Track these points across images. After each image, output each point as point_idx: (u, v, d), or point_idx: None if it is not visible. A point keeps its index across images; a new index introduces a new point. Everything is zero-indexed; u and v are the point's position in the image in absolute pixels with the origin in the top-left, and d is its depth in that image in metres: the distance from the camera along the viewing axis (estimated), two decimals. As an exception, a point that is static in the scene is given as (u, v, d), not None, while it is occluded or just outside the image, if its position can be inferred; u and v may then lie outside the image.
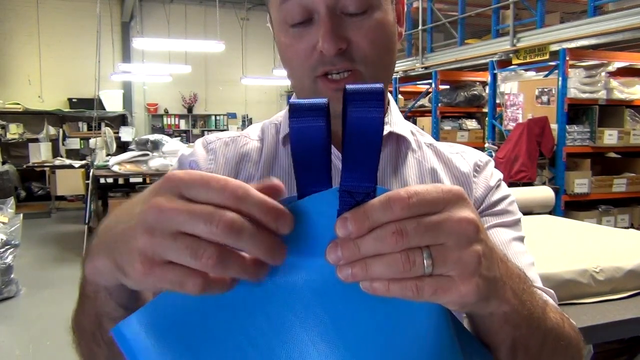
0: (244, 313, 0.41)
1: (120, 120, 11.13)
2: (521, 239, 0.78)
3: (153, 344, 0.41)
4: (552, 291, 0.74)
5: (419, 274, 0.37)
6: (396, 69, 7.64)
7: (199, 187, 0.38)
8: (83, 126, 10.83)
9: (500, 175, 0.83)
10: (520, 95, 5.32)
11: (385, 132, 0.74)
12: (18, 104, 10.14)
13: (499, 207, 0.78)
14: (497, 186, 0.80)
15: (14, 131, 10.05)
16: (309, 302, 0.40)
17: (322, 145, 0.39)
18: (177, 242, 0.37)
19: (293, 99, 0.39)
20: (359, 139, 0.37)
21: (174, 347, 0.41)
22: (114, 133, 8.98)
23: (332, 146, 0.68)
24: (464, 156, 0.82)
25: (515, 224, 0.78)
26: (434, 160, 0.80)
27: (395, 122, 0.79)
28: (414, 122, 7.62)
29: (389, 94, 0.81)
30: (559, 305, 1.51)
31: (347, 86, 0.39)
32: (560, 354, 0.55)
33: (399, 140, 0.78)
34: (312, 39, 0.66)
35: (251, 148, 0.79)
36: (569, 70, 4.80)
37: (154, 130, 11.47)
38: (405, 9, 0.78)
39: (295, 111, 0.38)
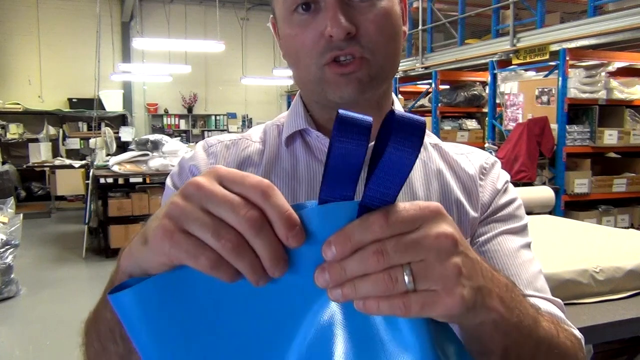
0: (241, 307, 0.42)
1: (120, 120, 11.13)
2: (528, 246, 0.77)
3: (148, 317, 0.42)
4: (559, 301, 0.73)
5: (402, 290, 0.38)
6: (396, 69, 7.65)
7: (236, 180, 0.40)
8: (83, 126, 10.84)
9: (508, 177, 0.82)
10: (520, 95, 5.33)
11: None
12: (18, 104, 10.15)
13: (506, 212, 0.78)
14: (505, 190, 0.80)
15: (14, 131, 10.05)
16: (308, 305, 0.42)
17: (359, 165, 0.39)
18: (205, 217, 0.39)
19: (341, 110, 0.39)
20: (392, 167, 0.39)
21: (167, 326, 0.42)
22: (114, 133, 8.97)
23: None
24: (470, 157, 0.81)
25: (523, 229, 0.78)
26: (439, 161, 0.79)
27: None
28: (414, 122, 7.64)
29: (394, 96, 0.80)
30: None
31: (397, 113, 0.39)
32: None
33: None
34: (319, 26, 0.66)
35: (252, 150, 0.79)
36: (569, 70, 4.81)
37: (154, 130, 11.47)
38: (407, 9, 0.77)
39: (343, 125, 0.38)
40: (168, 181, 0.80)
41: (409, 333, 0.41)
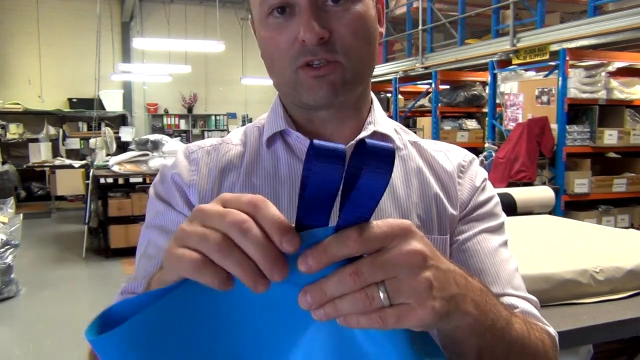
0: (232, 322, 0.45)
1: (120, 120, 11.13)
2: (505, 243, 0.79)
3: (136, 354, 0.42)
4: (535, 299, 0.76)
5: (379, 306, 0.42)
6: (396, 69, 7.65)
7: (233, 199, 0.43)
8: (83, 126, 10.84)
9: (485, 174, 0.83)
10: (520, 95, 5.32)
11: (369, 132, 0.76)
12: (18, 104, 10.15)
13: (484, 209, 0.79)
14: (483, 187, 0.81)
15: (14, 131, 10.05)
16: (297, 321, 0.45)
17: (335, 193, 0.42)
18: (198, 229, 0.42)
19: (316, 141, 0.41)
20: (366, 193, 0.42)
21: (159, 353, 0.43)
22: (114, 133, 8.98)
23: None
24: (448, 155, 0.82)
25: (500, 227, 0.80)
26: (418, 159, 0.80)
27: (379, 121, 0.78)
28: (414, 122, 7.63)
29: (371, 93, 0.81)
30: (559, 305, 1.51)
31: (368, 142, 0.41)
32: None
33: (384, 140, 0.77)
34: (293, 31, 0.66)
35: (233, 154, 0.78)
36: (569, 70, 4.80)
37: (154, 130, 11.47)
38: (385, 10, 0.78)
39: (318, 155, 0.40)
40: (151, 191, 0.79)
41: (388, 340, 0.45)
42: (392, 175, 0.72)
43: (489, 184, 0.83)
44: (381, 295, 0.42)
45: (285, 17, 0.67)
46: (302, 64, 0.67)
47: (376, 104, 0.80)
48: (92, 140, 7.97)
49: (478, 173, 0.82)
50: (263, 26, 0.70)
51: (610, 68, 5.10)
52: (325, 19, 0.65)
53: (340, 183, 0.41)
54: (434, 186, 0.78)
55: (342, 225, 0.42)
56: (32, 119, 10.36)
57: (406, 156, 0.79)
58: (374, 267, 0.42)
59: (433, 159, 0.81)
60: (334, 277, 0.42)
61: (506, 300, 0.71)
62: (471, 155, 0.84)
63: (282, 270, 0.40)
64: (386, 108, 7.68)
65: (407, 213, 0.75)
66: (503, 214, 0.82)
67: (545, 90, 5.01)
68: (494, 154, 5.31)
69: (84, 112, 10.50)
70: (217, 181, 0.76)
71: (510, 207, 2.74)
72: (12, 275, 4.63)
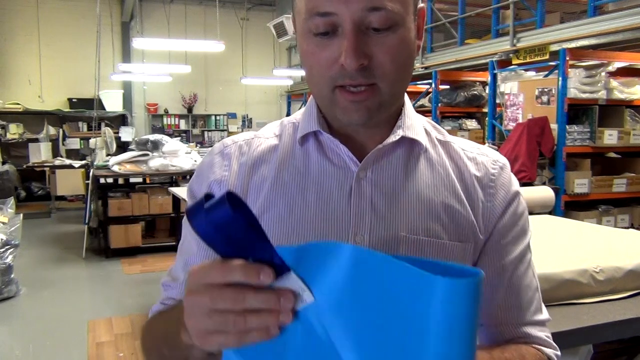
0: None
1: (120, 120, 11.12)
2: (530, 259, 0.81)
3: None
4: (547, 317, 0.82)
5: None
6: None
7: (206, 275, 0.52)
8: (83, 126, 10.83)
9: (517, 184, 0.82)
10: (520, 95, 5.32)
11: (397, 137, 0.76)
12: (18, 104, 10.14)
13: (518, 227, 0.80)
14: (515, 200, 0.80)
15: (14, 131, 10.05)
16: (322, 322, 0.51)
17: (242, 224, 0.49)
18: (211, 317, 0.51)
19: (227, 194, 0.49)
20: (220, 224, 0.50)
21: None
22: (114, 133, 8.97)
23: (346, 148, 0.75)
24: (480, 159, 0.81)
25: (529, 241, 0.81)
26: (445, 160, 0.80)
27: (408, 125, 0.78)
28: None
29: (405, 95, 0.81)
30: (559, 305, 1.52)
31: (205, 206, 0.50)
32: None
33: (412, 144, 0.78)
34: (335, 51, 0.67)
35: (265, 148, 0.81)
36: (569, 70, 4.80)
37: (154, 130, 11.46)
38: (425, 20, 0.78)
39: (207, 211, 0.49)
40: (187, 191, 0.84)
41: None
42: (418, 178, 0.77)
43: (521, 195, 0.82)
44: None
45: (329, 36, 0.68)
46: (340, 84, 0.68)
47: (407, 105, 0.80)
48: (92, 140, 7.96)
49: (512, 183, 0.81)
50: (305, 40, 0.70)
51: (610, 68, 5.10)
52: (367, 44, 0.66)
53: (230, 212, 0.48)
54: (459, 191, 0.77)
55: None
56: (32, 119, 10.35)
57: (434, 158, 0.79)
58: None
59: (462, 162, 0.80)
60: None
61: (525, 330, 0.78)
62: (502, 161, 0.82)
63: (290, 301, 0.51)
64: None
65: (433, 216, 0.75)
66: (530, 223, 0.82)
67: (545, 90, 5.01)
68: (494, 154, 5.30)
69: (84, 112, 10.49)
70: (247, 177, 0.78)
71: (510, 207, 2.73)
72: (12, 275, 4.63)
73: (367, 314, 0.48)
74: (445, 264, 0.48)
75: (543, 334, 0.79)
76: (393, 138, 0.76)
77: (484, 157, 0.81)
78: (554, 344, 0.79)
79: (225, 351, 0.56)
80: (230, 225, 0.48)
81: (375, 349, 0.47)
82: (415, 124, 0.79)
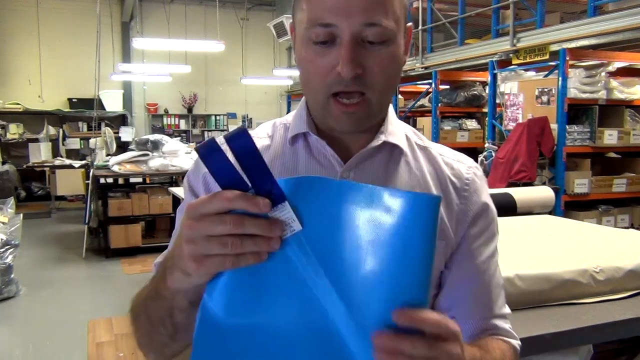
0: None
1: (120, 120, 11.13)
2: (497, 261, 0.88)
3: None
4: (509, 311, 0.89)
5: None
6: (396, 69, 7.64)
7: (207, 205, 0.56)
8: (83, 126, 10.83)
9: (487, 191, 0.89)
10: (520, 95, 5.32)
11: (379, 142, 0.82)
12: (18, 104, 10.14)
13: (487, 233, 0.86)
14: (485, 206, 0.86)
15: (14, 131, 10.05)
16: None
17: (255, 153, 0.57)
18: (210, 242, 0.56)
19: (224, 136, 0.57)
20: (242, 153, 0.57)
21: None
22: (114, 133, 8.98)
23: (332, 150, 0.82)
24: (456, 165, 0.87)
25: (496, 244, 0.88)
26: (423, 164, 0.86)
27: (390, 130, 0.84)
28: (414, 123, 7.62)
29: (390, 106, 0.86)
30: (559, 305, 1.52)
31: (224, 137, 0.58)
32: None
33: (393, 149, 0.84)
34: (332, 59, 0.73)
35: (258, 147, 0.83)
36: (569, 70, 4.80)
37: (154, 130, 11.46)
38: (412, 39, 0.84)
39: (228, 141, 0.58)
40: (185, 182, 0.89)
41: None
42: (397, 178, 0.82)
43: (491, 201, 0.88)
44: None
45: (327, 45, 0.73)
46: (334, 92, 0.74)
47: (391, 114, 0.86)
48: (92, 140, 7.97)
49: (484, 189, 0.88)
50: (304, 47, 0.76)
51: (610, 68, 5.10)
52: (362, 55, 0.72)
53: (254, 144, 0.56)
54: (434, 192, 0.83)
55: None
56: (32, 119, 10.35)
57: (412, 162, 0.85)
58: (432, 349, 0.53)
59: (438, 166, 0.86)
60: (409, 340, 0.53)
61: (494, 322, 0.85)
62: (475, 168, 0.89)
63: (279, 228, 0.56)
64: (386, 108, 7.66)
65: None
66: (498, 228, 0.89)
67: (545, 90, 5.01)
68: (494, 154, 5.30)
69: (84, 112, 10.49)
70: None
71: (510, 207, 2.74)
72: (12, 275, 4.63)
73: (343, 238, 0.56)
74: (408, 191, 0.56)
75: (507, 325, 0.87)
76: (376, 142, 0.82)
77: (459, 164, 0.88)
78: (515, 334, 0.88)
79: (204, 298, 0.60)
80: (247, 151, 0.56)
81: (348, 271, 0.55)
82: (396, 131, 0.85)
